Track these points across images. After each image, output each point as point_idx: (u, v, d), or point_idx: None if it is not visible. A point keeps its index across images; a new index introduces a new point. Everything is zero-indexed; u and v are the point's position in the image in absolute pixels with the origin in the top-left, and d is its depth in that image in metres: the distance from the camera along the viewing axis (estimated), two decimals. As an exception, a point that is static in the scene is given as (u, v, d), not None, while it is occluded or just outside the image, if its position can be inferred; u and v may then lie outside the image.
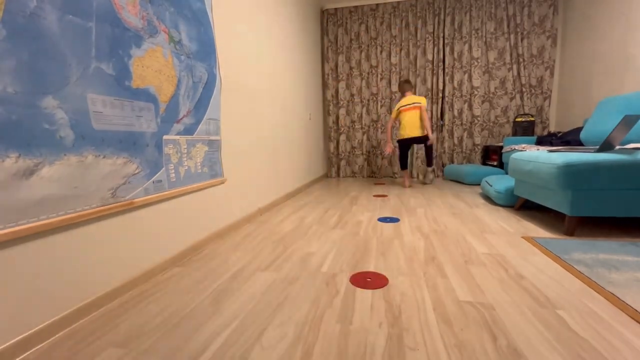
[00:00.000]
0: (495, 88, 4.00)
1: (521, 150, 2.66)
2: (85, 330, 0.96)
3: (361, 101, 4.40)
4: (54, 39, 0.92)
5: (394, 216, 2.22)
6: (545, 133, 3.87)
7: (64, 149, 0.95)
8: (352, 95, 4.43)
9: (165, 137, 1.37)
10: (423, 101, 3.34)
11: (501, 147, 3.69)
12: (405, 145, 3.46)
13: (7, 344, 0.82)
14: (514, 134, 3.88)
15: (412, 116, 3.34)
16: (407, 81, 3.54)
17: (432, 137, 3.34)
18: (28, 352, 0.86)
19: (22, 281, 0.86)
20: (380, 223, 2.05)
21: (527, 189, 2.07)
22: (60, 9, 0.93)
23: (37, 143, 0.87)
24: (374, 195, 3.05)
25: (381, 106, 4.34)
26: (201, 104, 1.63)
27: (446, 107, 4.15)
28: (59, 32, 0.93)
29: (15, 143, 0.82)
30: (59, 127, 0.93)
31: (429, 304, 1.05)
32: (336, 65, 4.42)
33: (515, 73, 3.92)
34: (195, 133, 1.59)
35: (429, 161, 3.53)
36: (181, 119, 1.48)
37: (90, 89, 1.03)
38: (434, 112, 4.17)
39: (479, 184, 3.53)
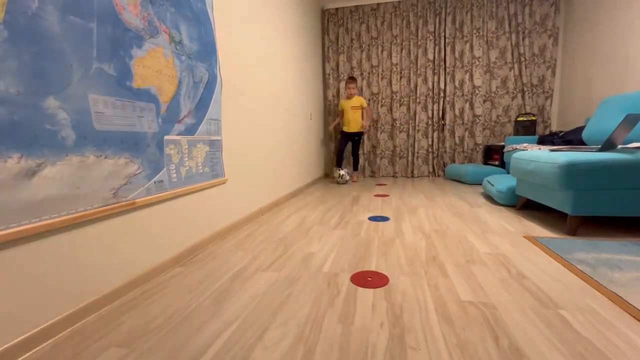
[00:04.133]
0: (497, 87, 3.99)
1: (523, 150, 2.65)
2: (88, 330, 0.96)
3: (362, 101, 4.39)
4: (55, 40, 0.92)
5: (387, 216, 2.22)
6: (547, 132, 3.86)
7: (66, 149, 0.95)
8: (353, 95, 4.43)
9: (166, 137, 1.38)
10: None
11: (503, 147, 3.68)
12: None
13: (11, 343, 0.82)
14: (516, 133, 3.87)
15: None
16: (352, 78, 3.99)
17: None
18: (31, 352, 0.86)
19: (24, 281, 0.86)
20: (381, 223, 2.05)
21: (529, 188, 2.07)
22: (62, 10, 0.93)
23: (39, 143, 0.88)
24: (375, 195, 3.05)
25: (382, 106, 4.34)
26: (202, 104, 1.63)
27: (447, 106, 4.15)
28: (61, 32, 0.93)
29: (17, 143, 0.83)
30: (61, 128, 0.93)
31: (430, 304, 1.05)
32: (337, 65, 4.42)
33: (517, 72, 3.91)
34: (197, 133, 1.59)
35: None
36: (182, 119, 1.48)
37: (92, 90, 1.03)
38: (435, 112, 4.17)
39: (481, 184, 3.53)
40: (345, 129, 3.96)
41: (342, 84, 4.41)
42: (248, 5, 2.17)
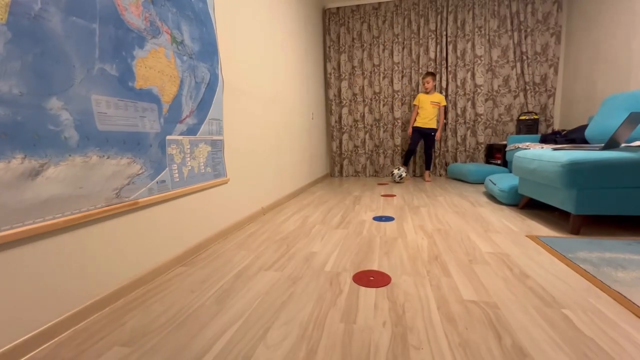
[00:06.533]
0: (499, 86, 3.98)
1: (525, 149, 2.64)
2: (91, 329, 0.97)
3: (363, 100, 4.39)
4: (58, 41, 0.92)
5: (392, 215, 2.21)
6: (550, 131, 3.84)
7: (69, 149, 0.95)
8: (354, 94, 4.42)
9: (168, 137, 1.38)
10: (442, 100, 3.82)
11: (505, 146, 3.66)
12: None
13: (15, 342, 0.83)
14: (518, 132, 3.85)
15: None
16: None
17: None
18: (35, 351, 0.87)
19: (28, 281, 0.87)
20: (383, 223, 2.05)
21: (532, 187, 2.06)
22: (65, 11, 0.94)
23: (43, 144, 0.88)
24: (382, 195, 3.04)
25: (383, 105, 4.33)
26: (204, 104, 1.64)
27: (449, 105, 4.13)
28: (63, 33, 0.94)
29: (21, 144, 0.83)
30: (64, 128, 0.94)
31: (432, 303, 1.05)
32: (338, 65, 4.41)
33: (519, 71, 3.89)
34: (198, 133, 1.60)
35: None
36: (184, 119, 1.49)
37: (94, 90, 1.03)
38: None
39: (483, 183, 3.52)
40: (421, 124, 3.78)
41: (345, 84, 4.40)
42: (249, 5, 2.17)
